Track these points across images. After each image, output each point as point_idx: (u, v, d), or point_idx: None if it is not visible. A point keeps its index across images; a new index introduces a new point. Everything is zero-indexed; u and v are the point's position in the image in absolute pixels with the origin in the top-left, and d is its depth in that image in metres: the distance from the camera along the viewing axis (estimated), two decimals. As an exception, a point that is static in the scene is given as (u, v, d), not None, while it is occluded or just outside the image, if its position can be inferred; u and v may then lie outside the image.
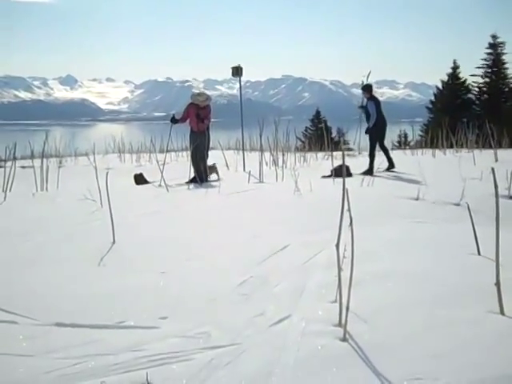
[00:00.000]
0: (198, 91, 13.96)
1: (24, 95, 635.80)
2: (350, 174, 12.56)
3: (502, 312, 4.03)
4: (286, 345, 3.65)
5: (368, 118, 13.85)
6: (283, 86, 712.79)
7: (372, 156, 13.66)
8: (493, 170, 4.26)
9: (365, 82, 15.35)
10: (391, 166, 13.74)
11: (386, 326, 3.87)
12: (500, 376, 3.16)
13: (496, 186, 4.22)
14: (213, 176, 13.13)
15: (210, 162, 13.29)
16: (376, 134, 13.87)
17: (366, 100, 14.17)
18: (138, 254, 6.25)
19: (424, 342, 3.61)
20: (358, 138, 17.97)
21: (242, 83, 17.58)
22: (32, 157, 15.98)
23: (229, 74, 16.92)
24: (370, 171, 13.16)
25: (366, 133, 14.05)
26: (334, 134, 33.10)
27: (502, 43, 38.16)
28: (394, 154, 19.18)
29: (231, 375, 3.29)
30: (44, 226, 7.83)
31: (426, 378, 3.13)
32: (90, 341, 3.82)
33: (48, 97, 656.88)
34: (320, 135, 24.28)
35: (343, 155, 5.22)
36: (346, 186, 3.92)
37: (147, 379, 3.21)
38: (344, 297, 3.86)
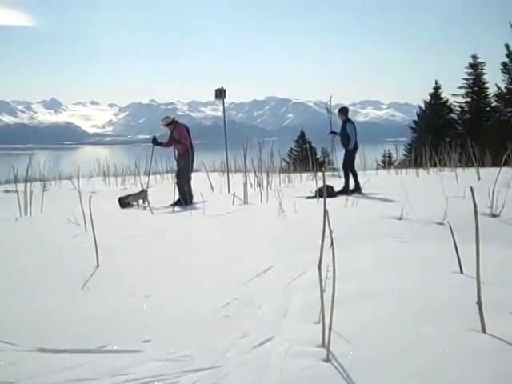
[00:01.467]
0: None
1: (7, 119, 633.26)
2: (334, 194, 12.67)
3: (483, 330, 4.05)
4: (268, 366, 3.65)
5: (346, 140, 14.01)
6: (267, 107, 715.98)
7: (348, 176, 14.04)
8: (471, 188, 4.30)
9: (328, 107, 15.56)
10: (358, 189, 13.81)
11: (369, 346, 3.88)
12: (481, 394, 3.18)
13: (475, 205, 4.26)
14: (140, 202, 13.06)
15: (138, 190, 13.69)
16: (353, 156, 14.16)
17: (341, 122, 14.34)
18: (121, 278, 6.24)
19: (405, 360, 3.62)
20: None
21: (226, 105, 17.68)
22: (16, 181, 15.90)
23: (213, 95, 17.00)
24: (347, 189, 13.51)
25: (347, 155, 14.23)
26: (319, 154, 33.24)
27: (482, 63, 38.69)
28: (378, 174, 19.37)
29: (214, 398, 3.29)
30: (27, 251, 7.79)
31: (408, 397, 3.15)
32: (72, 366, 3.80)
33: (32, 120, 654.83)
34: (305, 156, 24.41)
35: (324, 176, 5.26)
36: (330, 206, 3.95)
37: (129, 403, 3.20)
38: (327, 317, 3.86)
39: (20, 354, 4.08)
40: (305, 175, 19.88)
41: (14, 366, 3.86)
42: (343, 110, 14.53)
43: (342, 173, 14.73)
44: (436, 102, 39.73)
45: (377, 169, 25.04)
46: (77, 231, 8.85)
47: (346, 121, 14.22)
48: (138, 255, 7.31)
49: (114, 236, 8.41)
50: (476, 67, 38.67)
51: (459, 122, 39.35)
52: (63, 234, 8.86)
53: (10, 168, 16.78)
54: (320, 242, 3.89)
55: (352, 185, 13.89)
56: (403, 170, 20.66)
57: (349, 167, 14.12)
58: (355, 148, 14.21)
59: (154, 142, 13.59)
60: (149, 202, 12.49)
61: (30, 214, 12.04)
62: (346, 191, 13.39)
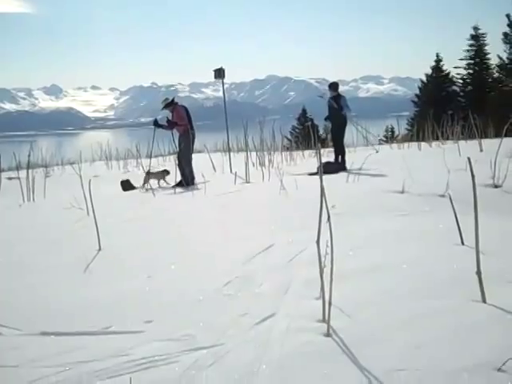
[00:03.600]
0: None
1: (9, 106, 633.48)
2: (336, 170, 12.66)
3: (483, 300, 4.05)
4: (270, 343, 3.66)
5: (340, 114, 13.99)
6: (268, 86, 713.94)
7: (344, 151, 14.22)
8: (469, 159, 4.29)
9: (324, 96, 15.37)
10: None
11: (369, 320, 3.89)
12: (479, 363, 3.18)
13: (473, 176, 4.25)
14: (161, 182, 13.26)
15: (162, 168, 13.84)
16: (344, 129, 14.20)
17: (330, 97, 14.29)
18: (123, 260, 6.25)
19: (406, 333, 3.63)
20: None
21: (227, 85, 17.64)
22: (18, 168, 15.92)
23: (213, 76, 16.95)
24: (344, 164, 13.49)
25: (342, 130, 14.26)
26: (321, 131, 33.10)
27: (483, 34, 38.41)
28: (381, 149, 19.31)
29: (216, 375, 3.30)
30: (30, 236, 7.84)
31: (408, 369, 3.15)
32: (74, 348, 3.82)
33: (33, 107, 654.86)
34: (307, 133, 24.33)
35: (319, 154, 5.23)
36: (332, 182, 3.96)
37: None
38: (327, 293, 3.87)
39: (22, 338, 4.10)
40: (307, 153, 19.85)
41: (16, 350, 3.88)
42: (334, 85, 14.51)
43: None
44: (438, 74, 39.52)
45: (379, 144, 24.97)
46: (79, 215, 8.85)
47: (338, 95, 14.19)
48: (139, 237, 7.32)
49: (116, 219, 8.42)
50: (477, 38, 38.43)
51: (461, 94, 39.18)
52: (66, 219, 8.88)
53: (13, 155, 16.79)
54: (321, 218, 3.88)
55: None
56: (405, 145, 20.61)
57: (342, 142, 14.22)
58: (346, 122, 14.29)
59: (156, 124, 13.55)
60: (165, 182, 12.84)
61: (33, 200, 12.07)
62: (344, 167, 13.42)
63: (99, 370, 3.44)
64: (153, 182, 12.93)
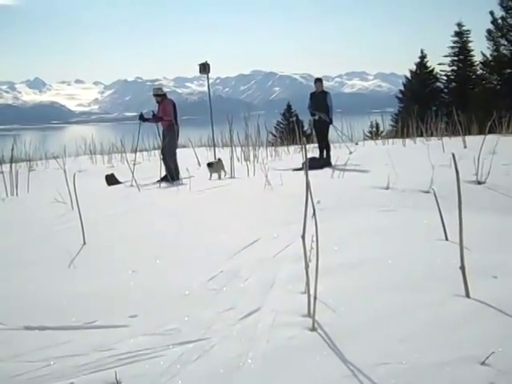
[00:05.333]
0: None
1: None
2: (321, 166, 12.70)
3: (467, 295, 4.09)
4: (255, 337, 3.67)
5: (327, 111, 14.00)
6: (253, 81, 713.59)
7: (329, 146, 14.39)
8: (453, 155, 4.32)
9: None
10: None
11: (354, 314, 3.92)
12: (463, 357, 3.22)
13: (457, 172, 4.29)
14: (222, 173, 12.70)
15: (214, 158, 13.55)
16: (329, 126, 14.25)
17: (317, 92, 14.28)
18: (108, 255, 6.22)
19: (390, 327, 3.66)
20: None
21: (212, 80, 17.79)
22: (1, 162, 15.79)
23: (198, 71, 16.92)
24: (329, 160, 13.56)
25: (330, 124, 14.26)
26: (306, 127, 33.12)
27: (467, 31, 38.60)
28: (365, 145, 19.39)
29: (201, 369, 3.30)
30: (13, 230, 7.77)
31: (391, 363, 3.18)
32: (58, 343, 3.80)
33: (16, 101, 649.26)
34: (292, 129, 24.35)
35: (304, 149, 5.24)
36: (317, 177, 3.99)
37: (116, 378, 3.20)
38: (312, 287, 3.88)
39: (6, 333, 4.07)
40: (292, 148, 19.88)
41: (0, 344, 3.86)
42: (321, 80, 14.57)
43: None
44: (422, 71, 39.68)
45: (364, 139, 25.05)
46: (63, 210, 8.80)
47: (324, 91, 14.24)
48: (124, 231, 7.29)
49: (100, 213, 8.38)
50: (461, 35, 38.60)
51: (445, 90, 39.39)
52: (50, 213, 8.82)
53: (-5, 149, 16.66)
54: (307, 213, 3.89)
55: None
56: (390, 141, 20.70)
57: (327, 138, 14.29)
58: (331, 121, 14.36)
59: (141, 118, 13.48)
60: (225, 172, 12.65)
61: (17, 194, 11.99)
62: (329, 163, 13.48)
63: (84, 364, 3.43)
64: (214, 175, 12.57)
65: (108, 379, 3.23)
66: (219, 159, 12.96)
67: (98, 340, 3.81)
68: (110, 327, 4.07)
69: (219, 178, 12.28)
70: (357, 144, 17.67)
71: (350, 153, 15.72)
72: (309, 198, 3.87)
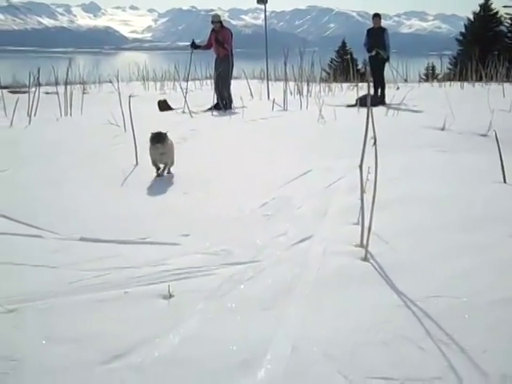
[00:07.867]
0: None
1: (47, 22, 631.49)
2: (375, 104, 12.46)
3: (524, 236, 4.00)
4: (306, 263, 3.67)
5: (383, 47, 13.56)
6: (309, 16, 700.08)
7: (384, 83, 13.97)
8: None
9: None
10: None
11: (407, 248, 3.88)
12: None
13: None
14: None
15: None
16: (384, 63, 13.82)
17: (375, 28, 13.82)
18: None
19: (444, 263, 3.60)
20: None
21: (268, 13, 17.24)
22: (56, 83, 15.90)
23: (254, 3, 16.61)
24: (384, 99, 13.26)
25: (387, 61, 13.89)
26: (360, 65, 32.44)
27: (538, -28, 36.80)
28: (421, 87, 18.93)
29: (252, 289, 3.32)
30: (68, 149, 7.86)
31: (445, 296, 3.14)
32: (112, 255, 3.87)
33: (71, 24, 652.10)
34: (346, 66, 23.90)
35: (368, 85, 5.11)
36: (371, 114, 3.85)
37: (169, 291, 3.25)
38: (366, 218, 3.84)
39: (62, 243, 4.17)
40: (345, 85, 19.54)
41: (56, 253, 3.95)
42: (379, 15, 14.06)
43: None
44: (486, 13, 38.16)
45: (419, 81, 24.44)
46: (117, 132, 8.86)
47: (381, 28, 13.78)
48: (176, 156, 7.31)
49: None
50: (531, -24, 36.87)
51: (509, 35, 37.88)
52: (103, 134, 8.89)
53: (51, 70, 16.74)
54: (360, 148, 3.80)
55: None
56: (447, 83, 20.16)
57: (382, 76, 13.94)
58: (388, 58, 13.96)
59: (193, 45, 13.34)
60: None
61: (71, 115, 12.10)
62: (384, 101, 13.22)
63: (138, 276, 3.49)
64: None
65: (161, 292, 3.28)
66: (165, 134, 6.67)
67: (150, 255, 3.87)
68: (162, 244, 4.13)
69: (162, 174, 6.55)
70: (398, 89, 17.09)
71: (398, 88, 15.38)
72: (368, 129, 3.78)
